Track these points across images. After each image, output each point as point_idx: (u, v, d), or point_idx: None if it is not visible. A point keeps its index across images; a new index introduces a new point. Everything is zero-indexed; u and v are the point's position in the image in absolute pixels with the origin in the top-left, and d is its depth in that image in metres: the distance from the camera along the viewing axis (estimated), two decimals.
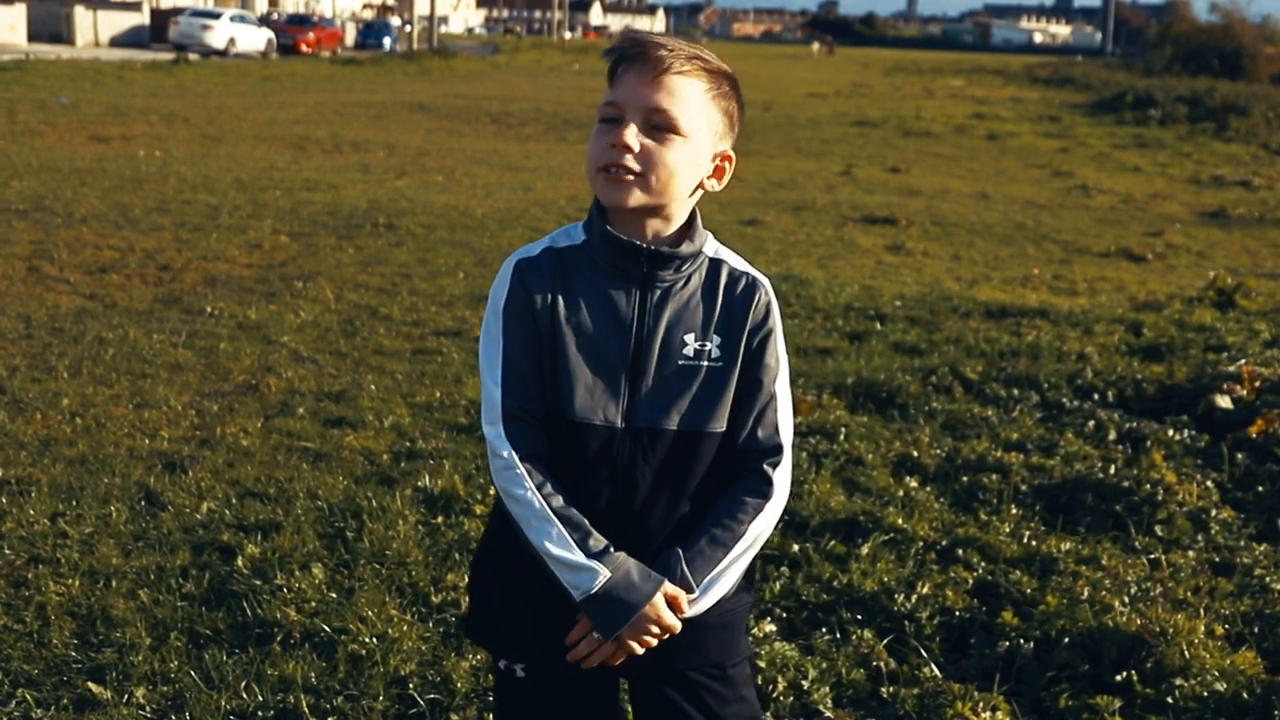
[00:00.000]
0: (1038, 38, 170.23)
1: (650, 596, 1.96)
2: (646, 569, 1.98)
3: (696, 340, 2.02)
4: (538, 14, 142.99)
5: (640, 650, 2.00)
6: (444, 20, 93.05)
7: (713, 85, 1.99)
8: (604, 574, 1.95)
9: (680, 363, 2.02)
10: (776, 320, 2.09)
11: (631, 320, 2.00)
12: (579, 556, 1.95)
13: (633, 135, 1.94)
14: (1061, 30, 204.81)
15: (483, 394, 2.05)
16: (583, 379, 1.99)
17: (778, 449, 2.08)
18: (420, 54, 46.19)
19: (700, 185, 2.03)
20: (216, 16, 43.31)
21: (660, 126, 1.95)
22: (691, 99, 1.97)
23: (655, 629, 1.98)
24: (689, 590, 2.00)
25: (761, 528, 2.05)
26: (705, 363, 2.03)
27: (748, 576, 2.12)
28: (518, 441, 2.00)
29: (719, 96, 2.00)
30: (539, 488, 1.98)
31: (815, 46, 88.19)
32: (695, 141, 1.98)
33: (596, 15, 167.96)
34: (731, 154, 2.06)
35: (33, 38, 41.29)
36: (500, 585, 2.13)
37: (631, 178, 1.95)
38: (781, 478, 2.08)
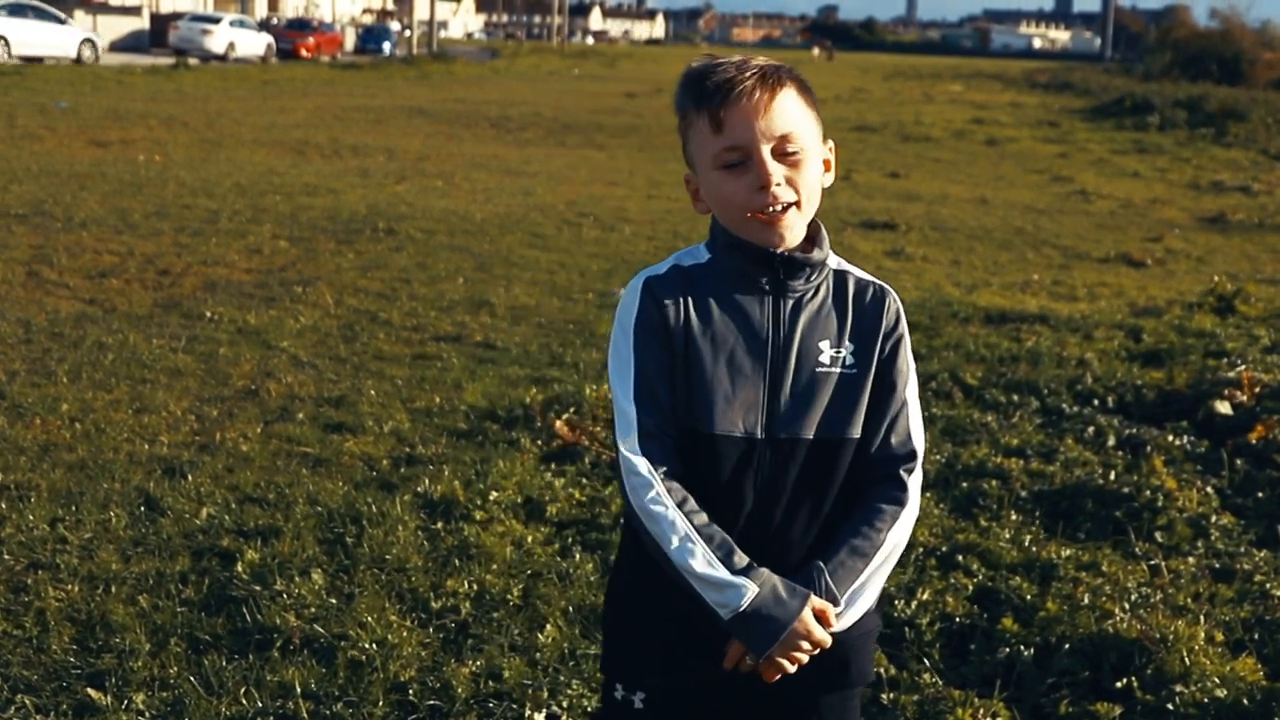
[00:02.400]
0: (1037, 43, 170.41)
1: (799, 612, 1.91)
2: (792, 584, 1.93)
3: (831, 348, 2.00)
4: (537, 19, 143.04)
5: (792, 668, 1.94)
6: (443, 25, 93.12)
7: (799, 88, 1.97)
8: (751, 590, 1.90)
9: (816, 370, 1.99)
10: (905, 327, 2.07)
11: (767, 330, 1.98)
12: (725, 574, 1.90)
13: (774, 168, 1.91)
14: (1061, 35, 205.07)
15: (616, 413, 2.00)
16: (721, 392, 1.96)
17: (912, 455, 2.05)
18: (420, 59, 46.24)
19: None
20: (216, 21, 43.38)
21: (789, 152, 1.93)
22: (797, 111, 1.95)
23: (806, 644, 1.92)
24: (834, 603, 1.95)
25: (900, 536, 2.02)
26: (840, 369, 2.01)
27: (879, 597, 2.07)
28: (655, 459, 1.95)
29: (807, 96, 1.99)
30: (680, 505, 1.93)
31: (815, 51, 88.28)
32: (815, 148, 1.97)
33: (596, 20, 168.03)
34: (832, 143, 2.05)
35: None
36: (639, 613, 2.08)
37: (790, 211, 1.93)
38: (915, 484, 2.05)
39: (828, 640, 1.94)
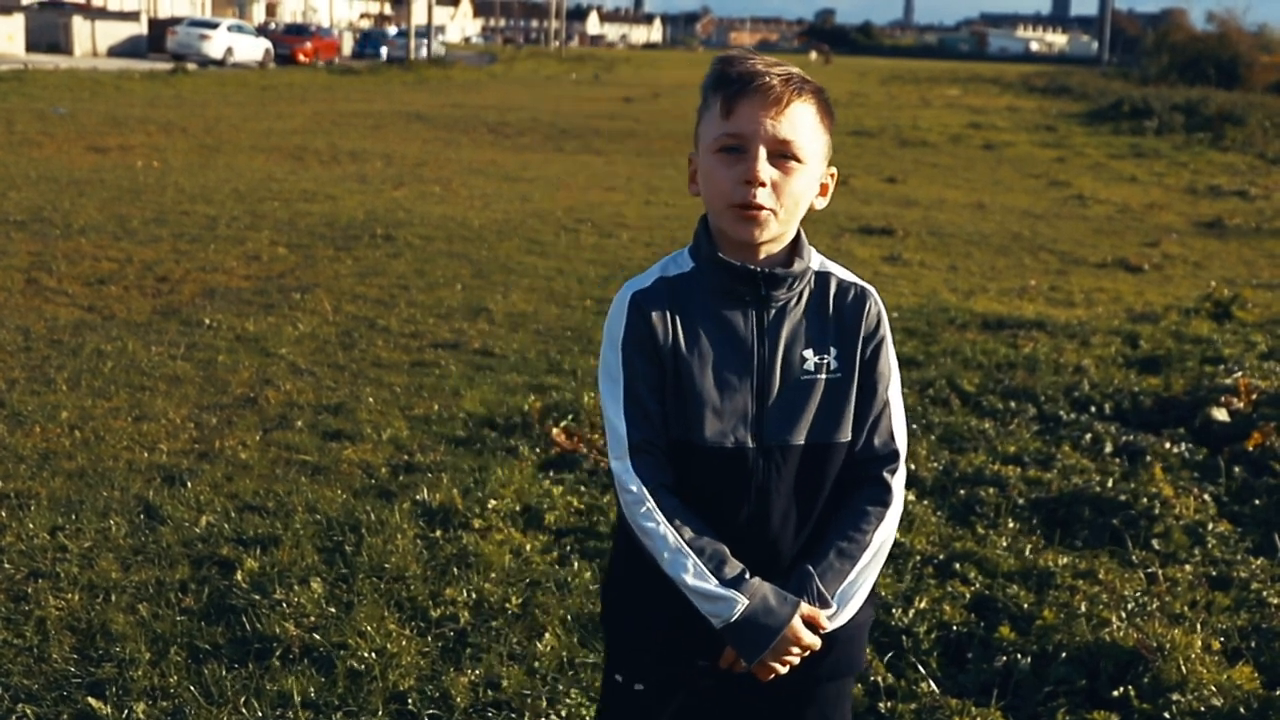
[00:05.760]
0: (1034, 46, 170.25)
1: (789, 619, 1.98)
2: (782, 592, 2.00)
3: (815, 354, 2.06)
4: (534, 23, 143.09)
5: (784, 670, 2.02)
6: (441, 30, 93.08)
7: (820, 106, 2.01)
8: (742, 602, 1.96)
9: (802, 377, 2.05)
10: (887, 328, 2.12)
11: (751, 341, 2.03)
12: (715, 586, 1.97)
13: (765, 169, 1.95)
14: (1058, 39, 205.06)
15: (607, 428, 2.06)
16: (710, 404, 2.01)
17: (894, 455, 2.10)
18: (417, 63, 46.22)
19: (810, 205, 2.07)
20: (214, 26, 43.46)
21: (785, 156, 1.97)
22: (808, 125, 1.99)
23: (796, 649, 2.00)
24: (825, 606, 2.02)
25: (885, 535, 2.08)
26: (825, 375, 2.06)
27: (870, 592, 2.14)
28: (646, 474, 2.01)
29: (825, 116, 2.03)
30: (670, 520, 1.99)
31: (812, 55, 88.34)
32: (813, 166, 2.01)
33: (594, 24, 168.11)
34: (835, 170, 2.10)
35: (31, 47, 41.31)
36: (635, 609, 2.14)
37: (766, 213, 1.97)
38: (899, 484, 2.11)
39: (817, 644, 2.02)
